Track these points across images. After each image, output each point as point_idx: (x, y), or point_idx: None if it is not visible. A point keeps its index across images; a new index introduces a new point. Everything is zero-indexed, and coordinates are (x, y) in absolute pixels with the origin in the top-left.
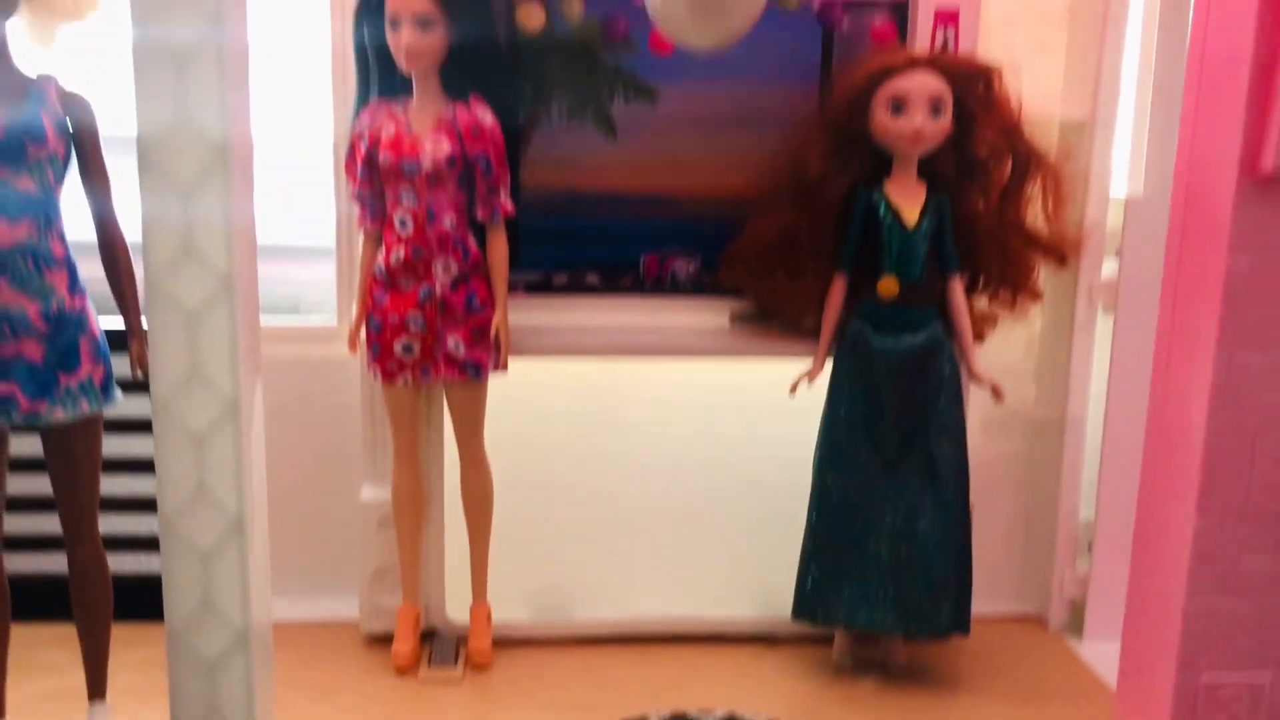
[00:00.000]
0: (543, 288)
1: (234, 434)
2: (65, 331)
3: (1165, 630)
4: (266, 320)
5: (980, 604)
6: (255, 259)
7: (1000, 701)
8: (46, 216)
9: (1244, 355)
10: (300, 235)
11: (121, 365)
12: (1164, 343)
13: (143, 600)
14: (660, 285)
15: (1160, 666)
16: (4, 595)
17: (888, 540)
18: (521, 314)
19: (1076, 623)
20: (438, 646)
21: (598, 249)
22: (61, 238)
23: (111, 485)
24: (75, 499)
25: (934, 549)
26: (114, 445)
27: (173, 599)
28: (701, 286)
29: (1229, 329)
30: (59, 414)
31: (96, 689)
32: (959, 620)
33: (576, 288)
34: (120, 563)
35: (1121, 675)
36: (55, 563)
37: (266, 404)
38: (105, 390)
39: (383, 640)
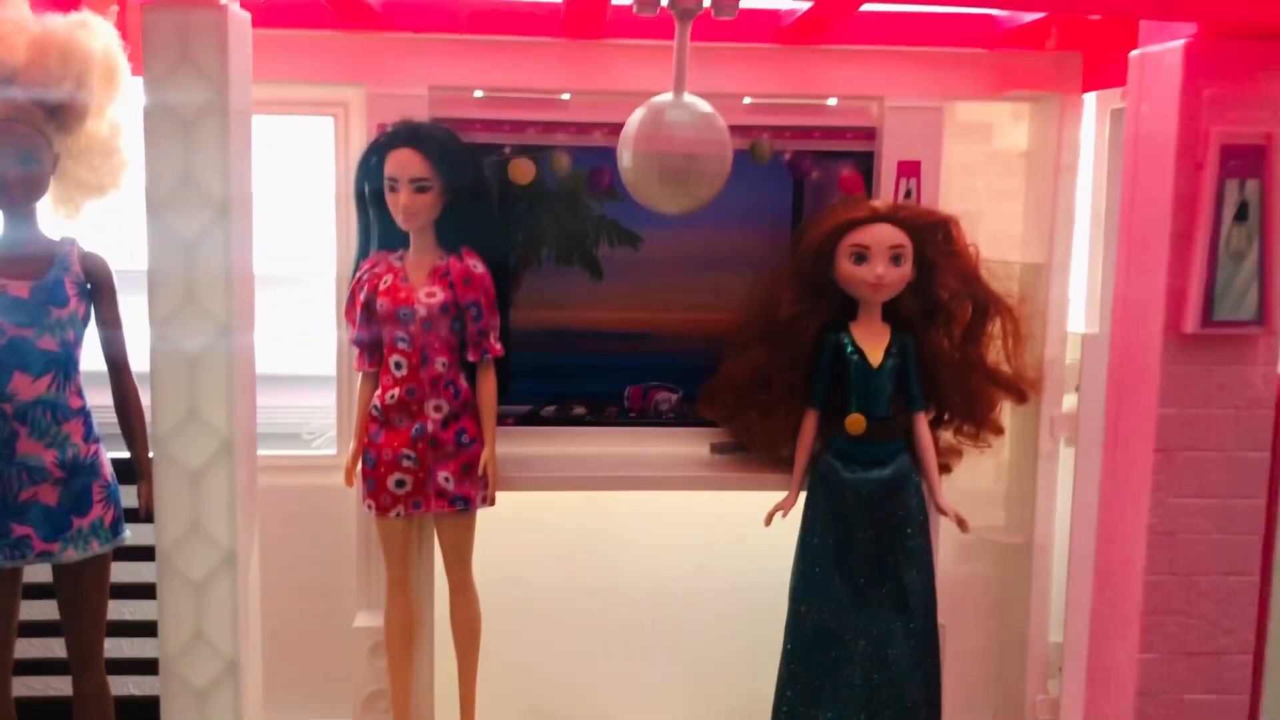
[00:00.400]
0: (532, 419)
1: (231, 583)
2: (79, 477)
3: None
4: (270, 450)
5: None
6: (254, 420)
7: None
8: (66, 372)
9: (1176, 499)
10: (304, 365)
11: (129, 498)
12: (1108, 487)
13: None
14: (644, 416)
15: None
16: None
17: (861, 667)
18: (511, 444)
19: None
20: None
21: (584, 382)
22: (79, 391)
23: (117, 609)
24: (82, 630)
25: (905, 675)
26: (119, 572)
27: (166, 633)
28: (683, 417)
29: (1162, 474)
30: (70, 553)
31: None
32: None
33: (564, 419)
34: (123, 685)
35: None
36: (61, 684)
37: (267, 532)
38: (114, 530)
39: None
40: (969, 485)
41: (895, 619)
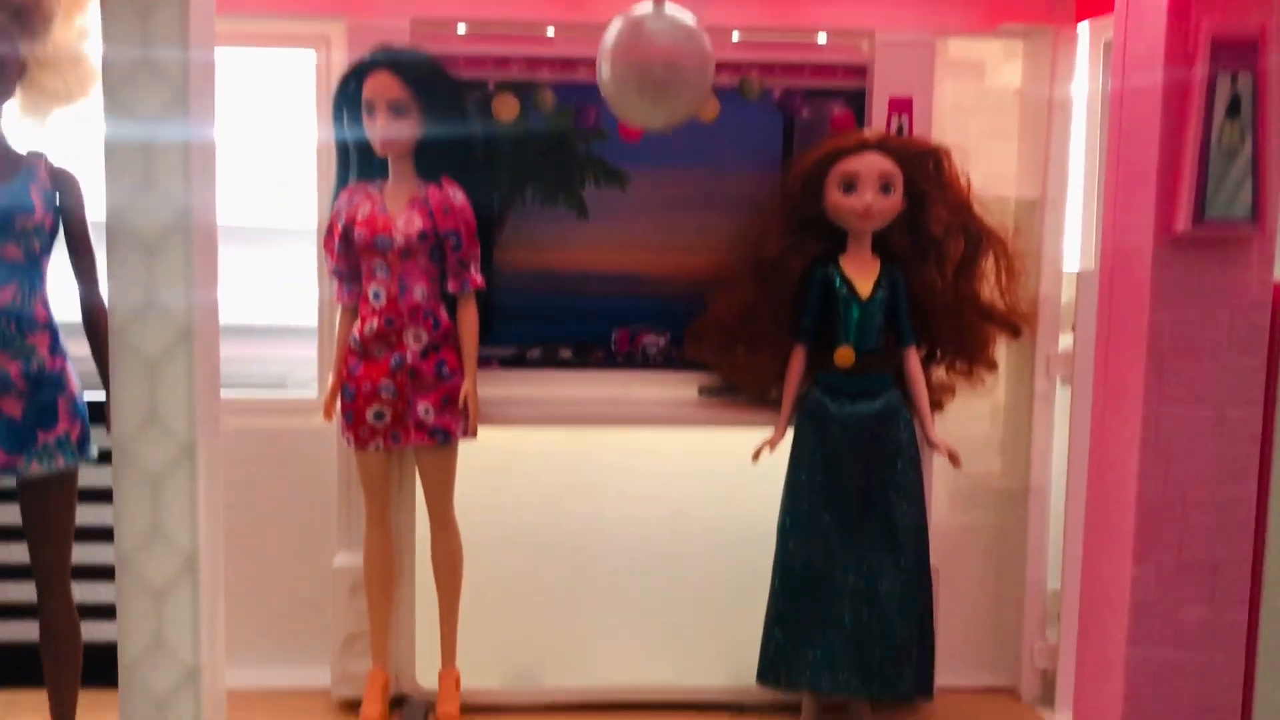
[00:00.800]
0: (517, 362)
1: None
2: (44, 390)
3: (1111, 683)
4: (253, 394)
5: (952, 676)
6: (216, 314)
7: None
8: (31, 282)
9: (1170, 408)
10: (290, 317)
11: (102, 437)
12: (1099, 401)
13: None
14: (631, 359)
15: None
16: None
17: (850, 603)
18: (496, 387)
19: (1049, 694)
20: (407, 712)
21: (570, 325)
22: (45, 303)
23: (86, 554)
24: (48, 553)
25: (895, 612)
26: (89, 514)
27: (126, 636)
28: (670, 361)
29: (1154, 384)
30: (35, 468)
31: None
32: (921, 684)
33: (550, 362)
34: (93, 630)
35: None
36: (28, 630)
37: (248, 474)
38: (81, 447)
39: (353, 706)
40: (964, 431)
41: (885, 555)
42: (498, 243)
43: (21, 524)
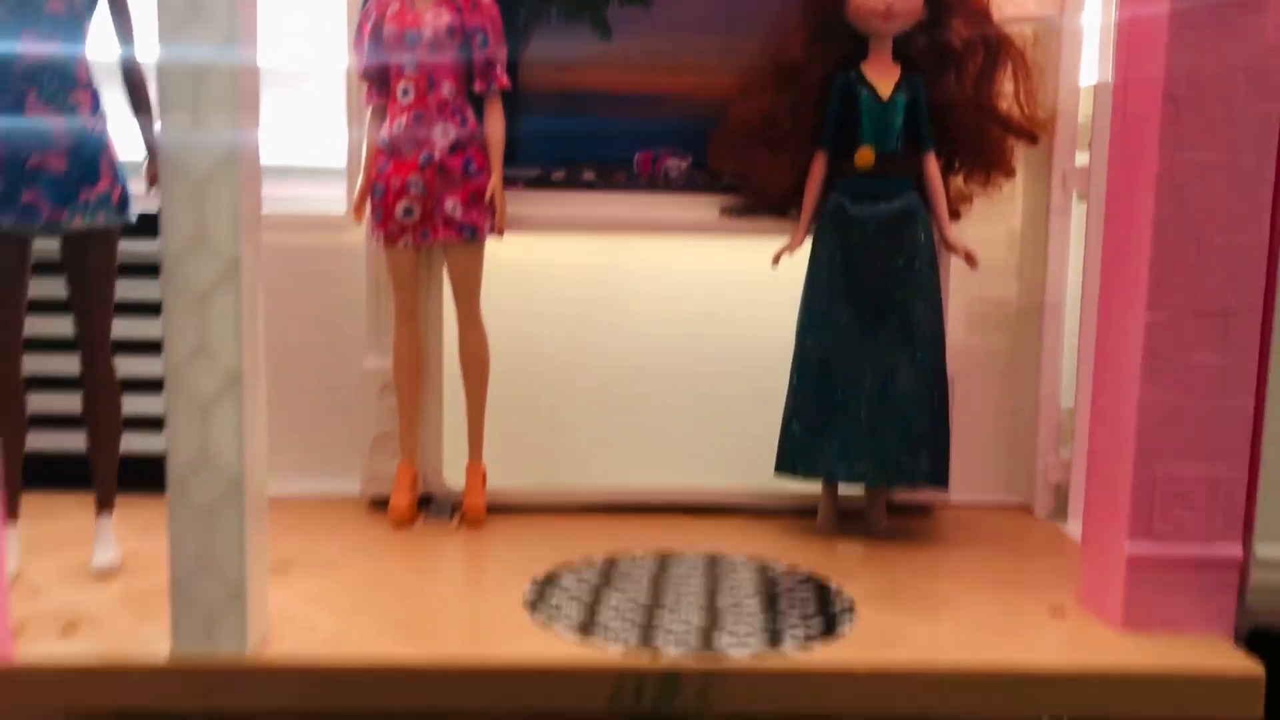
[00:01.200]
0: (540, 183)
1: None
2: (86, 148)
3: (1123, 427)
4: (281, 210)
5: (967, 494)
6: (258, 128)
7: (981, 561)
8: (73, 41)
9: (1187, 153)
10: (319, 158)
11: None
12: (1116, 147)
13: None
14: (654, 182)
15: (1120, 463)
16: (18, 398)
17: (867, 399)
18: (521, 206)
19: (1062, 508)
20: (434, 508)
21: (593, 147)
22: (87, 67)
23: (136, 366)
24: (89, 309)
25: (911, 404)
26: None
27: (174, 449)
28: (693, 183)
29: (1171, 128)
30: (78, 221)
31: (105, 502)
32: (937, 472)
33: (573, 184)
34: (144, 442)
35: (1089, 476)
36: (74, 441)
37: (278, 287)
38: (121, 209)
39: (383, 504)
40: (981, 255)
41: (901, 351)
42: (522, 63)
43: (67, 290)
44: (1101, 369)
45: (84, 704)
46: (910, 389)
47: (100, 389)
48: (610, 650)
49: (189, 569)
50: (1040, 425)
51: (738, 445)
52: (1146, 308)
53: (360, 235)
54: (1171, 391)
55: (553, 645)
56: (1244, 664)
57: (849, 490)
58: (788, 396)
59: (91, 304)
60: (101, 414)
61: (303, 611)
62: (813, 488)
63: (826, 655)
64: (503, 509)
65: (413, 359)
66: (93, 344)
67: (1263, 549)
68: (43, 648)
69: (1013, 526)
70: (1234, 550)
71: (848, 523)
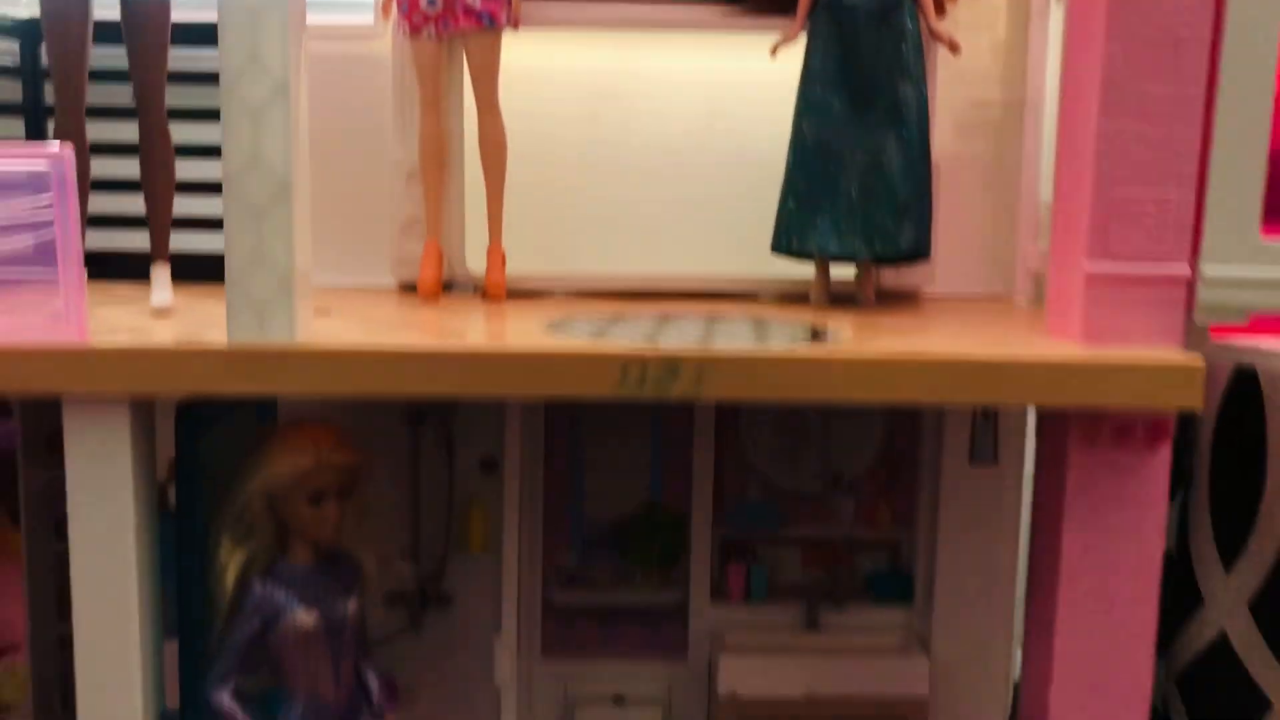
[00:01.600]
0: None
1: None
2: None
3: (1084, 155)
4: (311, 19)
5: (951, 286)
6: None
7: (962, 324)
8: None
9: None
10: None
11: None
12: None
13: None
14: None
15: (1081, 188)
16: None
17: (857, 176)
18: (534, 4)
19: (1041, 296)
20: (458, 288)
21: None
22: None
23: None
24: (146, 66)
25: (897, 176)
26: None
27: (231, 249)
28: None
29: None
30: None
31: (160, 251)
32: (919, 242)
33: None
34: (205, 241)
35: (1056, 202)
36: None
37: (311, 93)
38: None
39: (413, 288)
40: (964, 65)
41: (889, 130)
42: None
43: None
44: (1067, 101)
45: (149, 387)
46: (896, 163)
47: (154, 142)
48: (618, 343)
49: (243, 264)
50: (1020, 219)
51: (739, 235)
52: (1105, 38)
53: (387, 45)
54: (1127, 120)
55: (566, 343)
56: (1186, 357)
57: (841, 274)
58: (785, 176)
59: (149, 60)
60: (155, 166)
61: (342, 330)
62: (808, 274)
63: (814, 349)
64: (520, 294)
65: (437, 147)
66: (149, 101)
67: (1209, 269)
68: (113, 338)
69: (993, 308)
70: (1182, 269)
71: (840, 304)
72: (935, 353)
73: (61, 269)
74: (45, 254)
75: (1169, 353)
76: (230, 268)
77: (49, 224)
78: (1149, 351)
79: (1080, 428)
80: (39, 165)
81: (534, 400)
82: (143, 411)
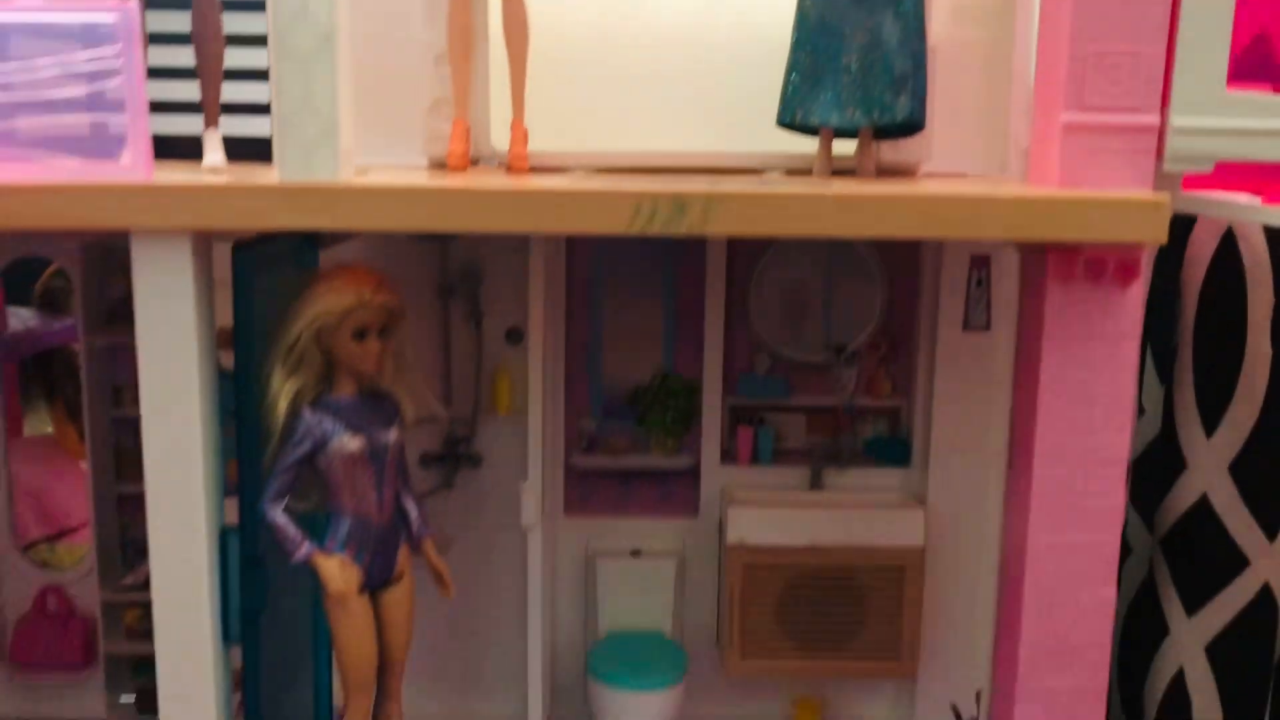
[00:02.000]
0: None
1: None
2: None
3: (1063, 10)
4: None
5: (947, 164)
6: None
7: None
8: None
9: None
10: None
11: None
12: None
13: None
14: None
15: (1059, 42)
16: None
17: (858, 52)
18: None
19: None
20: (484, 163)
21: None
22: None
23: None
24: None
25: (895, 49)
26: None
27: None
28: None
29: None
30: None
31: (212, 119)
32: (915, 113)
33: None
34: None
35: (1039, 57)
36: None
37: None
38: None
39: (442, 164)
40: None
41: (887, 8)
42: None
43: None
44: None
45: (209, 222)
46: (894, 36)
47: (205, 24)
48: (630, 184)
49: (292, 108)
50: (1013, 98)
51: (748, 115)
52: None
53: None
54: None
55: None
56: (1154, 195)
57: (842, 149)
58: (789, 52)
59: None
60: (208, 46)
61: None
62: (811, 149)
63: (813, 186)
64: (541, 170)
65: (464, 29)
66: None
67: (1178, 119)
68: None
69: (985, 181)
70: (1153, 119)
71: (841, 178)
72: (926, 191)
73: (130, 115)
74: (114, 101)
75: (1139, 192)
76: (279, 113)
77: (117, 73)
78: (1120, 191)
79: (1056, 263)
80: (107, 17)
81: (554, 234)
82: (203, 245)
